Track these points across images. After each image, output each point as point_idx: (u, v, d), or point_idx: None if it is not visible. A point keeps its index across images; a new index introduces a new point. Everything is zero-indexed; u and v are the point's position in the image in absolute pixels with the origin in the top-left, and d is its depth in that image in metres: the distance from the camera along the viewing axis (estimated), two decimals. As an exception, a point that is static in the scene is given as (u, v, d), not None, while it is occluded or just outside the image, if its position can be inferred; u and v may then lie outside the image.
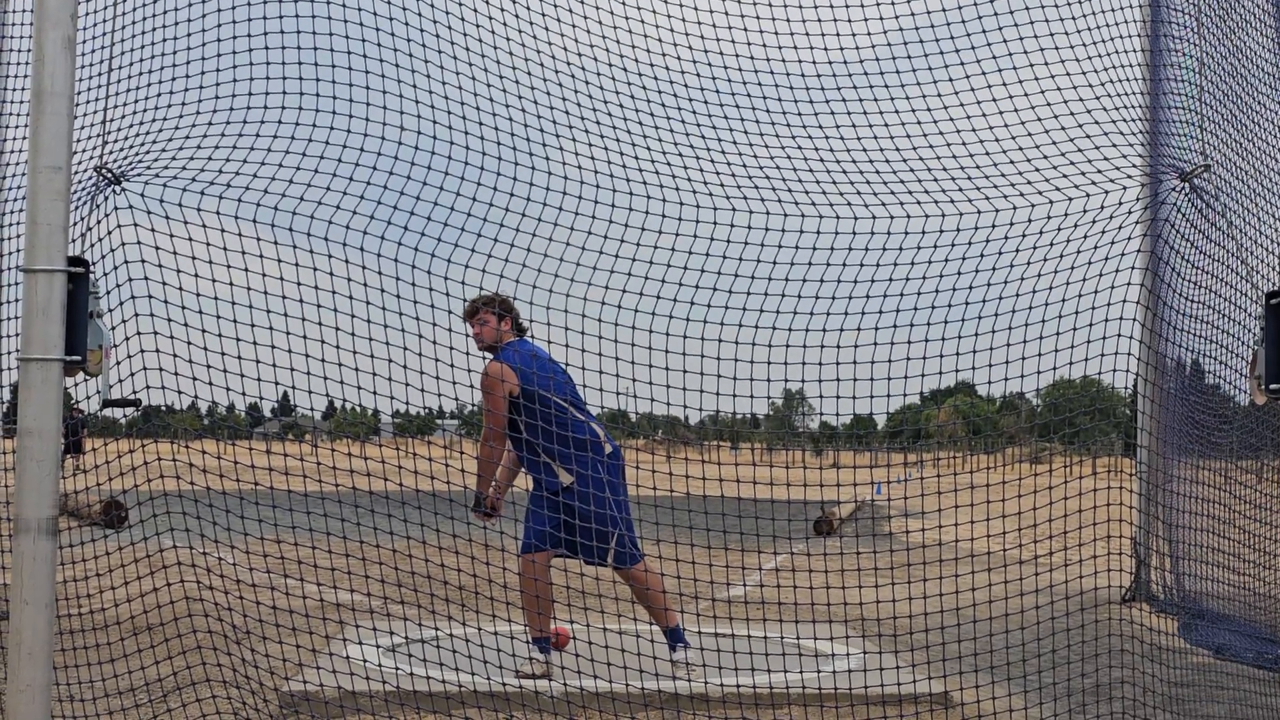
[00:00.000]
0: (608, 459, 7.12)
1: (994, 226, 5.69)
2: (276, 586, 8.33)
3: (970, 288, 5.64)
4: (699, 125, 6.08)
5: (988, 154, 5.76)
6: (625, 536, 7.11)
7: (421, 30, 5.68)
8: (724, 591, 10.72)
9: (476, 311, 7.14)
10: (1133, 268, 5.58)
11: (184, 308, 5.22)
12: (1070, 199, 5.65)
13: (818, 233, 5.78)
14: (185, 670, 6.37)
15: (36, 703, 4.17)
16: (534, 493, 7.17)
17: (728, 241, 5.81)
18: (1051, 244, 5.62)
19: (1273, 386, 4.43)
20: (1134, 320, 5.52)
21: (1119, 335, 5.46)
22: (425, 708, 6.16)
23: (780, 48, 6.10)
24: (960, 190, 5.76)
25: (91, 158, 5.23)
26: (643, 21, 6.03)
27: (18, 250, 5.12)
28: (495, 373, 6.93)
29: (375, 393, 5.48)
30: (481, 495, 7.11)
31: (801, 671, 6.99)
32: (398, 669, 6.72)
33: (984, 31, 5.91)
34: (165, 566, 5.97)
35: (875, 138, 5.96)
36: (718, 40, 6.14)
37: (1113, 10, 5.87)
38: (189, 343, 5.21)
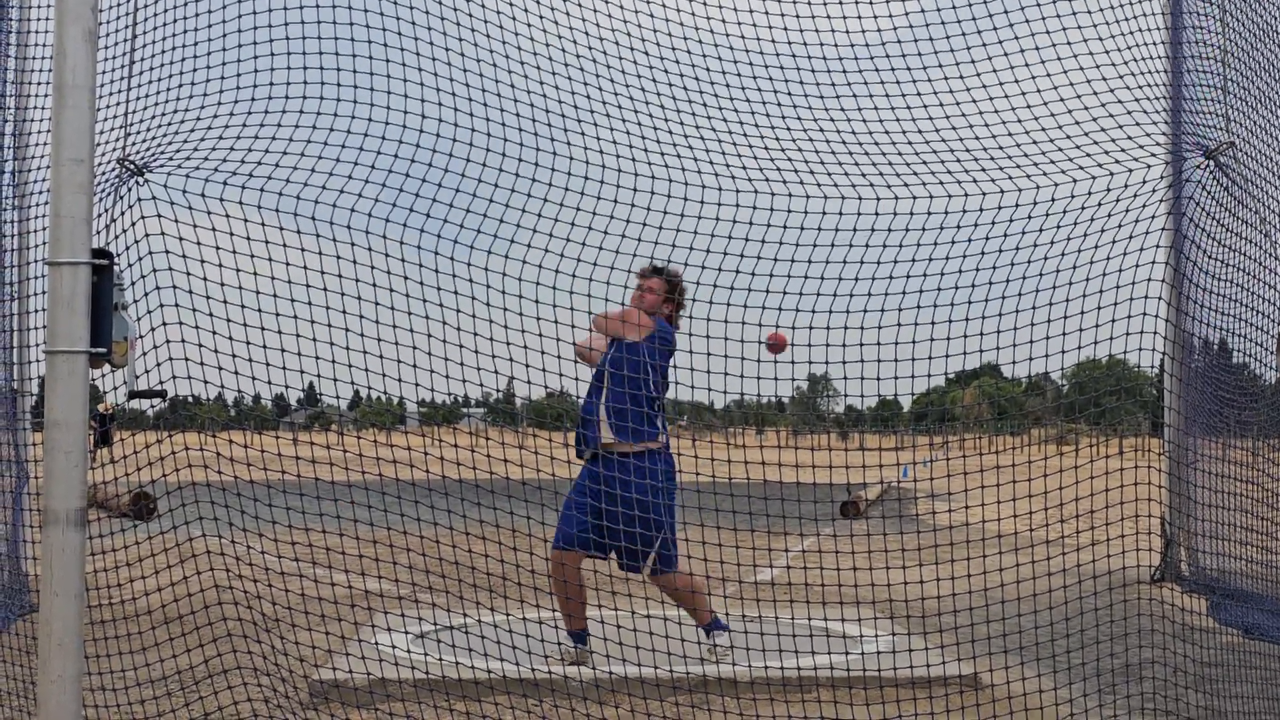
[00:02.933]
0: (663, 456, 7.08)
1: (1017, 206, 5.67)
2: (306, 575, 8.35)
3: (994, 268, 5.62)
4: (721, 109, 6.07)
5: (1010, 134, 5.73)
6: (669, 541, 7.04)
7: (442, 18, 5.68)
8: (752, 575, 10.71)
9: (657, 274, 7.17)
10: (1157, 246, 5.55)
11: (209, 298, 5.23)
12: (1094, 177, 5.62)
13: (840, 214, 5.77)
14: (215, 659, 6.40)
15: (68, 693, 4.19)
16: (578, 481, 7.12)
17: (750, 224, 5.80)
18: (1075, 223, 5.60)
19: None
20: (1159, 299, 5.49)
21: (1144, 314, 5.43)
22: (455, 694, 6.18)
23: (801, 30, 6.09)
24: (983, 170, 5.73)
25: (114, 149, 5.25)
26: (664, 5, 6.02)
27: (43, 243, 5.14)
28: (634, 315, 7.02)
29: (400, 379, 5.49)
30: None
31: (830, 653, 6.99)
32: (427, 656, 6.73)
33: (1005, 11, 5.89)
34: (195, 556, 6.00)
35: (897, 119, 5.95)
36: (739, 23, 6.13)
37: (1135, -12, 5.84)
38: (214, 333, 5.23)
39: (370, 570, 9.51)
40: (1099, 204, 5.59)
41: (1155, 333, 5.45)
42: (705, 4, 6.06)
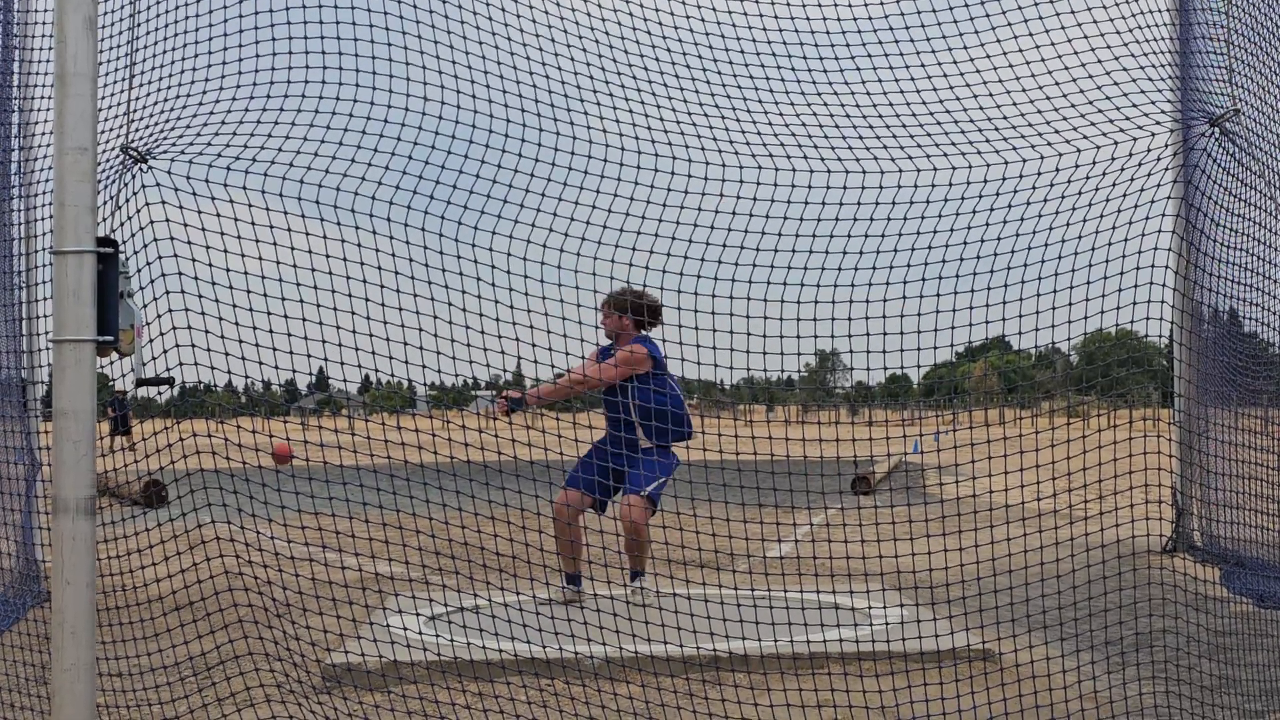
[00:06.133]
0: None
1: (1021, 177, 5.64)
2: (317, 560, 8.38)
3: (998, 239, 5.60)
4: (724, 85, 6.05)
5: (1014, 103, 5.71)
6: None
7: (444, 2, 5.66)
8: (763, 552, 10.73)
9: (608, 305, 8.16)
10: (1163, 214, 5.53)
11: (215, 284, 5.22)
12: (1098, 146, 5.59)
13: (844, 188, 5.75)
14: (228, 645, 6.42)
15: (81, 681, 4.21)
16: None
17: (754, 199, 5.78)
18: (1080, 192, 5.57)
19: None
20: (1167, 268, 5.47)
21: (1152, 283, 5.41)
22: (468, 676, 6.19)
23: (804, 5, 6.06)
24: (988, 141, 5.71)
25: (118, 137, 5.25)
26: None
27: (48, 232, 5.15)
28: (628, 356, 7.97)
29: (408, 362, 5.48)
30: (520, 398, 7.85)
31: (839, 625, 7.00)
32: (440, 639, 6.75)
33: (1008, -21, 5.86)
34: (205, 542, 6.01)
35: (901, 90, 5.92)
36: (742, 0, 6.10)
37: (1140, -44, 5.80)
38: (221, 319, 5.22)
39: (381, 554, 9.53)
40: (1103, 173, 5.57)
41: (1164, 302, 5.42)
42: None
